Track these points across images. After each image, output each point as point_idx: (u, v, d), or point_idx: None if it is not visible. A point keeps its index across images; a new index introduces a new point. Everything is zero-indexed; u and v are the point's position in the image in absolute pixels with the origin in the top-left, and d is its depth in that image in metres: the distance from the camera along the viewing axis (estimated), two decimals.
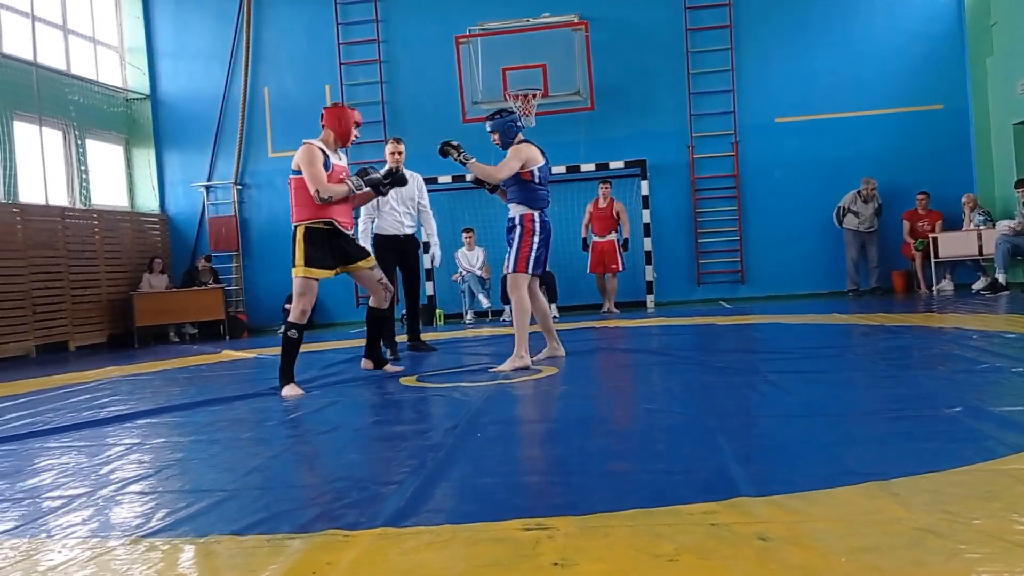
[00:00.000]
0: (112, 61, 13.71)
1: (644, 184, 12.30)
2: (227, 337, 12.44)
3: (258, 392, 5.68)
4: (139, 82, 13.85)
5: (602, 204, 11.67)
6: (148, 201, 13.87)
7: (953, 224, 11.76)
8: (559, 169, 12.45)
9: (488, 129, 6.10)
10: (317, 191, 5.41)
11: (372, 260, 5.83)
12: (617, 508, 2.51)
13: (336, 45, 13.35)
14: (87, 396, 6.20)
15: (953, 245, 11.49)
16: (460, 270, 11.99)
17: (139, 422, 4.84)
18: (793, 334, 7.45)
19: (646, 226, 12.31)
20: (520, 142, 6.03)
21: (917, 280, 11.85)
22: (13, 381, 7.75)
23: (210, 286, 12.65)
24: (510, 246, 6.07)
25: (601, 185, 11.75)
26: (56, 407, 5.73)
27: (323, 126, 5.71)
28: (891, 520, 2.28)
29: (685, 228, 12.83)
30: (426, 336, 8.39)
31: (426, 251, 8.80)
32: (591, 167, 12.42)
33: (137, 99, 13.81)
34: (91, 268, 12.09)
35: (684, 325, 9.04)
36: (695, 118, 12.72)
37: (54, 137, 12.13)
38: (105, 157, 13.38)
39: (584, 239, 11.85)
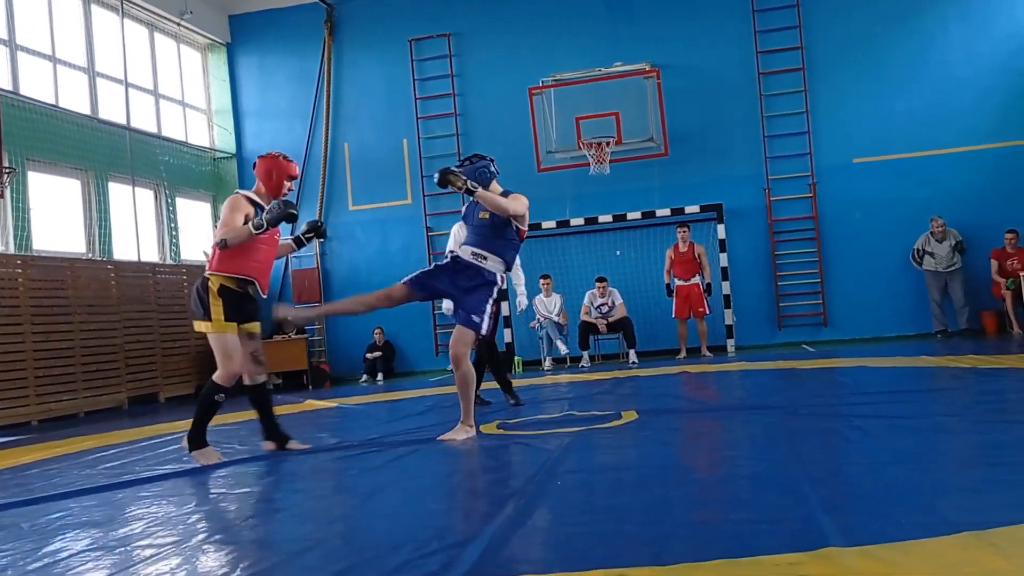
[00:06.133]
0: (200, 123, 14.34)
1: (720, 228, 12.21)
2: (310, 387, 12.66)
3: (341, 443, 5.77)
4: (225, 142, 14.44)
5: (682, 248, 11.62)
6: None
7: None
8: (634, 215, 12.47)
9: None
10: (223, 239, 4.98)
11: (256, 327, 5.45)
12: (700, 558, 2.46)
13: (413, 100, 13.68)
14: (177, 446, 6.36)
15: None
16: (538, 317, 12.01)
17: (225, 471, 4.95)
18: (880, 378, 7.21)
19: (724, 270, 12.18)
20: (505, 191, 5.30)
21: (1009, 320, 11.36)
22: (107, 432, 8.02)
23: (293, 337, 12.93)
24: (470, 297, 5.24)
25: (679, 229, 11.71)
26: (147, 457, 5.92)
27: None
28: (989, 572, 2.19)
29: (764, 271, 12.63)
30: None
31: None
32: (666, 212, 12.38)
33: (223, 158, 14.38)
34: (180, 321, 12.49)
35: (766, 369, 8.86)
36: (771, 160, 12.59)
37: (146, 196, 12.68)
38: (193, 214, 13.91)
39: (668, 284, 11.80)
